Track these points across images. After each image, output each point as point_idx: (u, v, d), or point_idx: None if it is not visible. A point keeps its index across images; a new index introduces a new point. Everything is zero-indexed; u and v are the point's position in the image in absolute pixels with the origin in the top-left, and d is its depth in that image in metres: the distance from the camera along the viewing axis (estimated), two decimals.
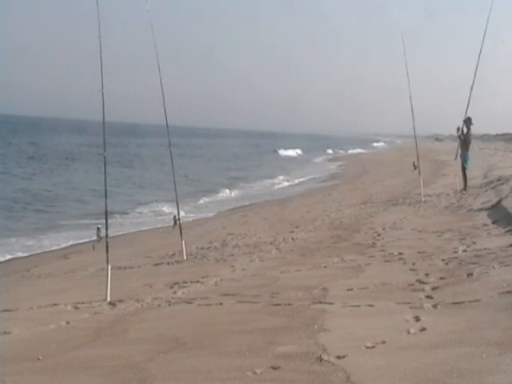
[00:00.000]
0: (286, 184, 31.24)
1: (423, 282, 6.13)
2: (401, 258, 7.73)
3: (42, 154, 44.59)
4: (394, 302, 5.43)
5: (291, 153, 65.77)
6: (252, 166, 44.53)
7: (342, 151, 72.78)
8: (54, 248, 13.91)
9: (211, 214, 18.93)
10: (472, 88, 15.50)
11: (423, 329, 4.54)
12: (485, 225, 10.00)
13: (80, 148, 53.30)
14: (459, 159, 16.55)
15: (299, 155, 65.05)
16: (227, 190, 26.79)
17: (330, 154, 67.87)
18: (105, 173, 7.61)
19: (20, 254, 13.10)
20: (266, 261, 8.75)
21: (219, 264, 8.87)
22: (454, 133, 16.76)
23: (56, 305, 6.53)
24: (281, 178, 34.15)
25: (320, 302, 5.63)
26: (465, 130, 16.33)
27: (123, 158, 44.14)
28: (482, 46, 15.54)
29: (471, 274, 6.19)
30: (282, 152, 65.58)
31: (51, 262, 11.77)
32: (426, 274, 6.48)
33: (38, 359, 4.59)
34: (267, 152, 67.13)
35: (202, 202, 23.13)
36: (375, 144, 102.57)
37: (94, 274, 9.04)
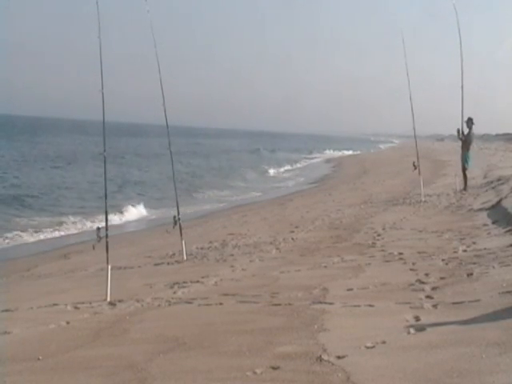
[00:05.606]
0: None
1: (423, 282, 6.13)
2: (401, 258, 7.73)
3: (42, 154, 44.55)
4: (394, 302, 5.44)
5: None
6: None
7: (351, 151, 71.44)
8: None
9: None
10: (462, 88, 15.58)
11: (423, 329, 4.54)
12: (485, 225, 10.00)
13: (79, 148, 53.18)
14: (460, 159, 16.59)
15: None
16: None
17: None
18: (105, 173, 7.60)
19: None
20: (266, 261, 8.75)
21: (219, 264, 8.87)
22: (455, 133, 16.80)
23: (56, 305, 6.52)
24: None
25: (320, 302, 5.63)
26: (465, 130, 16.33)
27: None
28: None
29: (471, 274, 6.19)
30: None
31: (51, 261, 11.77)
32: (426, 274, 6.48)
33: (38, 359, 4.58)
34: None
35: None
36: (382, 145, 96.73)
37: (94, 274, 9.03)
